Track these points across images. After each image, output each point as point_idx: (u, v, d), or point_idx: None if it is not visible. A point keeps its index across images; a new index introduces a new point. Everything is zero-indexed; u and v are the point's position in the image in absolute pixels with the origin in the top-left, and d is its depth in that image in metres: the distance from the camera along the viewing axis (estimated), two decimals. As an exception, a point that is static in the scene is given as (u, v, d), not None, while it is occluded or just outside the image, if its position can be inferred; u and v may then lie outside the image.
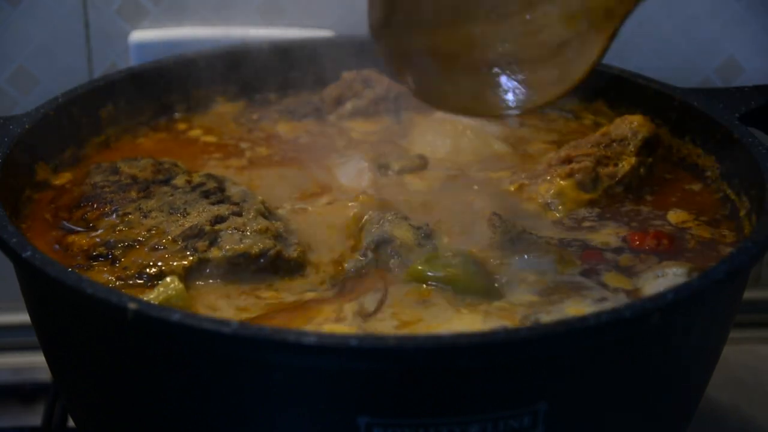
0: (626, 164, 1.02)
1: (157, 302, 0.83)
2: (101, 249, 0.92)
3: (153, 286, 0.86)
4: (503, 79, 0.88)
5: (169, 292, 0.85)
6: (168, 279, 0.86)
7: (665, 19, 1.31)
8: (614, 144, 1.04)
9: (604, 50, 0.84)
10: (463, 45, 0.89)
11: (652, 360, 0.80)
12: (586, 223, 0.98)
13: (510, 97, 0.87)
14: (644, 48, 1.32)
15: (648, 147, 1.04)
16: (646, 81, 1.12)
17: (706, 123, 1.04)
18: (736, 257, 0.81)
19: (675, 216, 0.99)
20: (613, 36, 0.84)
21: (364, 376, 0.74)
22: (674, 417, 0.88)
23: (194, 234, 0.91)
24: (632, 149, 1.03)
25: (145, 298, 0.83)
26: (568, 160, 1.02)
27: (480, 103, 0.88)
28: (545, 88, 0.87)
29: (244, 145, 1.13)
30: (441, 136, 1.12)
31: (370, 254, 0.91)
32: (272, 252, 0.91)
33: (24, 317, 0.95)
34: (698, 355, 0.87)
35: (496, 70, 0.88)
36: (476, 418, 0.74)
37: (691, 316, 0.82)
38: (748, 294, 0.94)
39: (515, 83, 0.88)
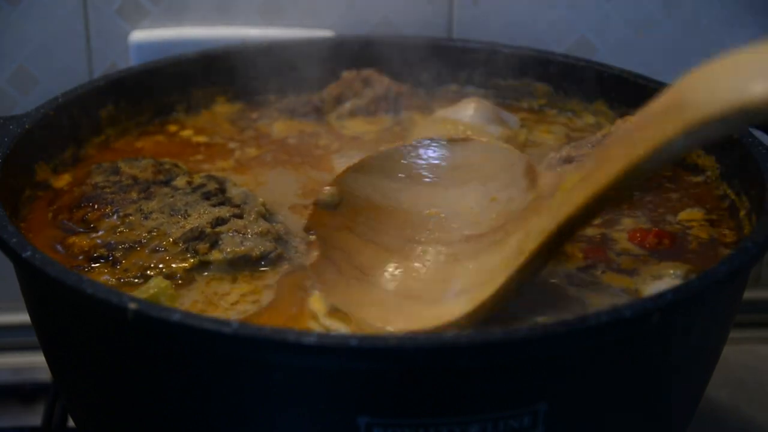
0: None
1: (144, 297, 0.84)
2: (102, 250, 0.92)
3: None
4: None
5: (152, 290, 0.85)
6: (154, 279, 0.87)
7: (665, 19, 1.31)
8: None
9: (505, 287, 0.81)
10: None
11: (652, 360, 0.80)
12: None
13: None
14: (644, 48, 1.32)
15: None
16: (646, 81, 1.12)
17: (706, 123, 1.04)
18: (736, 257, 0.81)
19: (675, 216, 0.99)
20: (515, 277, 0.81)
21: (364, 376, 0.74)
22: (674, 417, 0.88)
23: (195, 236, 0.91)
24: None
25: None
26: (569, 160, 1.02)
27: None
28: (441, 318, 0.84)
29: (244, 145, 1.13)
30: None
31: None
32: (273, 255, 0.91)
33: (24, 317, 0.95)
34: (698, 355, 0.87)
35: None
36: (476, 418, 0.74)
37: (691, 316, 0.82)
38: (748, 294, 0.94)
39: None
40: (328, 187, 0.92)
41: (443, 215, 0.91)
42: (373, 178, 0.93)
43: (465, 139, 0.93)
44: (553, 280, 0.88)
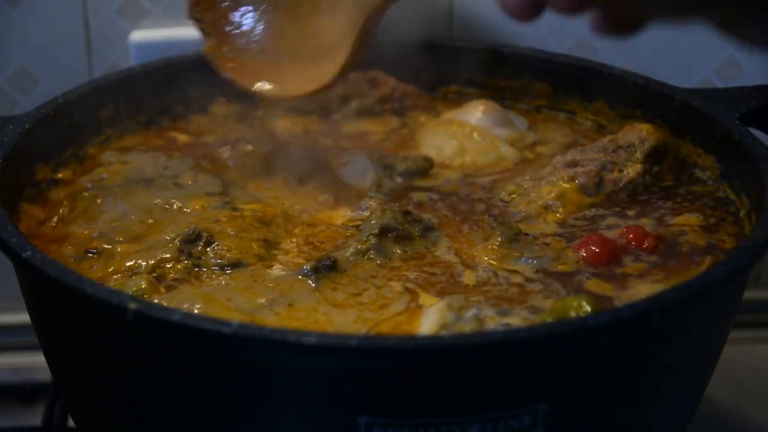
0: (631, 171, 1.02)
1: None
2: (98, 243, 0.92)
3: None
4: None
5: (131, 290, 0.85)
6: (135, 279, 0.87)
7: (665, 19, 1.31)
8: (621, 150, 1.04)
9: (353, 54, 0.98)
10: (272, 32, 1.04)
11: (652, 360, 0.80)
12: (585, 224, 0.98)
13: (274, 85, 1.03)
14: (644, 48, 1.32)
15: (655, 155, 1.04)
16: (646, 81, 1.12)
17: (706, 123, 1.04)
18: (736, 257, 0.81)
19: (674, 219, 0.99)
20: (360, 39, 0.98)
21: (364, 376, 0.74)
22: (674, 417, 0.88)
23: (191, 238, 0.91)
24: (639, 157, 1.03)
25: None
26: (573, 164, 1.03)
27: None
28: (305, 84, 1.01)
29: (245, 144, 1.13)
30: (447, 137, 1.12)
31: (373, 239, 0.92)
32: (267, 262, 0.91)
33: (24, 317, 0.95)
34: (698, 355, 0.87)
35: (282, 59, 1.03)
36: (476, 418, 0.75)
37: (691, 316, 0.82)
38: (748, 294, 0.94)
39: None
40: None
41: None
42: None
43: None
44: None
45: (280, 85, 1.02)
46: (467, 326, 0.82)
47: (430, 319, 0.83)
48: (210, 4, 1.04)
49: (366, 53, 0.97)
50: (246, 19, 1.04)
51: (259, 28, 1.03)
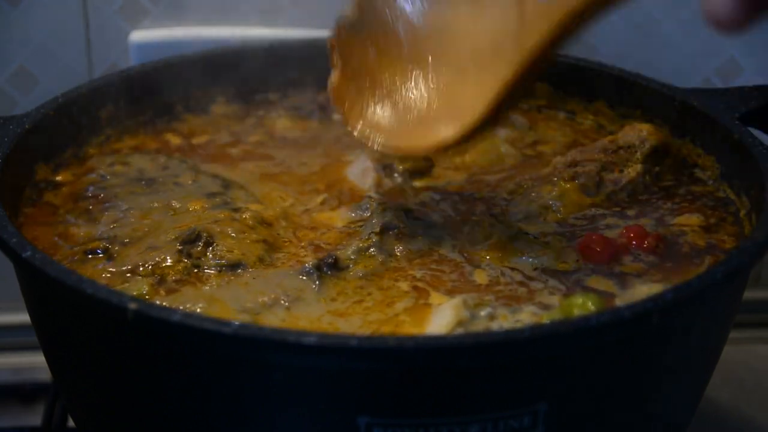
0: (632, 171, 1.02)
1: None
2: (98, 243, 0.92)
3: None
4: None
5: (134, 290, 0.86)
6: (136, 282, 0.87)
7: (665, 19, 1.31)
8: (621, 150, 1.04)
9: (486, 119, 0.89)
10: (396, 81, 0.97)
11: (652, 360, 0.80)
12: (585, 224, 0.98)
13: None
14: (644, 48, 1.32)
15: (656, 156, 1.04)
16: (646, 81, 1.12)
17: (706, 123, 1.04)
18: (735, 257, 0.81)
19: (674, 219, 0.99)
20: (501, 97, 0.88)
21: (364, 376, 0.74)
22: (674, 417, 0.88)
23: (191, 238, 0.91)
24: (639, 157, 1.03)
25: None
26: (574, 164, 1.03)
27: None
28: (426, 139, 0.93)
29: (246, 144, 1.13)
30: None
31: (374, 237, 0.92)
32: (267, 262, 0.91)
33: (24, 317, 0.95)
34: (698, 355, 0.87)
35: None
36: (476, 418, 0.75)
37: (691, 316, 0.82)
38: (748, 294, 0.94)
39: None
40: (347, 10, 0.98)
41: (445, 32, 0.94)
42: None
43: None
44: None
45: (402, 139, 0.94)
46: (481, 324, 0.82)
47: (445, 316, 0.83)
48: (351, 93, 0.99)
49: (500, 124, 0.91)
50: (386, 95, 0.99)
51: (396, 99, 0.97)
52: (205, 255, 0.90)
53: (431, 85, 0.93)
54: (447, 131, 0.90)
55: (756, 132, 1.02)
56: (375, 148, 0.94)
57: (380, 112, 0.95)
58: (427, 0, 0.95)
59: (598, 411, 0.80)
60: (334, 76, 0.99)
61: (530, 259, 0.92)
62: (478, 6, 0.91)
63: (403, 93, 0.95)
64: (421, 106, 0.93)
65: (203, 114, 1.19)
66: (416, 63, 0.95)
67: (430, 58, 0.94)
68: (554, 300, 0.86)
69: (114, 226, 0.94)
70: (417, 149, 0.93)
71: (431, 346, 0.72)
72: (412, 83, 0.94)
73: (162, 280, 0.88)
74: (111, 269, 0.89)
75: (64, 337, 0.86)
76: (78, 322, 0.82)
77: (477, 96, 0.89)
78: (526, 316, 0.84)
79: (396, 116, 0.94)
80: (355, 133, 0.96)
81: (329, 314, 0.85)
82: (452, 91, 0.92)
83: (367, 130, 0.95)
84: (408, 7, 0.95)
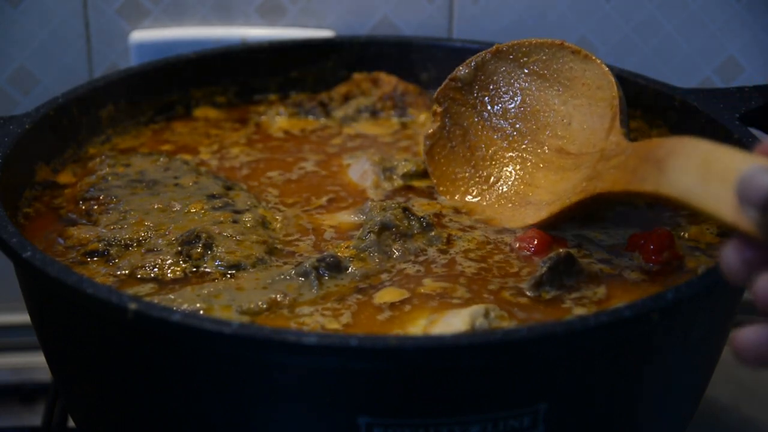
0: None
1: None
2: (98, 245, 0.92)
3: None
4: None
5: (134, 290, 0.86)
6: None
7: (665, 19, 1.31)
8: None
9: (556, 217, 0.95)
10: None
11: (652, 360, 0.80)
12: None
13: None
14: (644, 48, 1.32)
15: None
16: (646, 81, 1.12)
17: (706, 123, 1.04)
18: (736, 257, 0.81)
19: (689, 229, 0.97)
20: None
21: (364, 376, 0.74)
22: (674, 417, 0.88)
23: (191, 240, 0.91)
24: None
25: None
26: None
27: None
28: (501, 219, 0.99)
29: (246, 144, 1.13)
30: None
31: (372, 236, 0.92)
32: (267, 263, 0.90)
33: (24, 317, 0.95)
34: (698, 355, 0.87)
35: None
36: (476, 418, 0.74)
37: (691, 316, 0.82)
38: (748, 294, 0.94)
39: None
40: (465, 65, 1.02)
41: (545, 119, 1.01)
42: (507, 64, 1.02)
43: (586, 57, 1.02)
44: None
45: (490, 212, 0.99)
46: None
47: (462, 318, 0.82)
48: (446, 154, 1.04)
49: (562, 223, 0.95)
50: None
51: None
52: (205, 256, 0.90)
53: (527, 171, 1.00)
54: (534, 215, 0.96)
55: (756, 132, 1.02)
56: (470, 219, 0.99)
57: (475, 183, 1.02)
58: (532, 97, 1.01)
59: (598, 411, 0.80)
60: (433, 132, 1.03)
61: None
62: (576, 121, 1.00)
63: (498, 170, 1.01)
64: (516, 188, 1.00)
65: (203, 114, 1.19)
66: (515, 145, 1.02)
67: (526, 143, 1.01)
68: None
69: (114, 228, 0.94)
70: (503, 224, 0.97)
71: (431, 346, 0.72)
72: (509, 164, 1.01)
73: (162, 281, 0.88)
74: (111, 270, 0.89)
75: (64, 337, 0.86)
76: (78, 321, 0.82)
77: (555, 197, 0.96)
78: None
79: (488, 191, 1.01)
80: (447, 199, 1.01)
81: (329, 314, 0.84)
82: (551, 183, 0.98)
83: (458, 198, 1.01)
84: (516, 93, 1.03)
